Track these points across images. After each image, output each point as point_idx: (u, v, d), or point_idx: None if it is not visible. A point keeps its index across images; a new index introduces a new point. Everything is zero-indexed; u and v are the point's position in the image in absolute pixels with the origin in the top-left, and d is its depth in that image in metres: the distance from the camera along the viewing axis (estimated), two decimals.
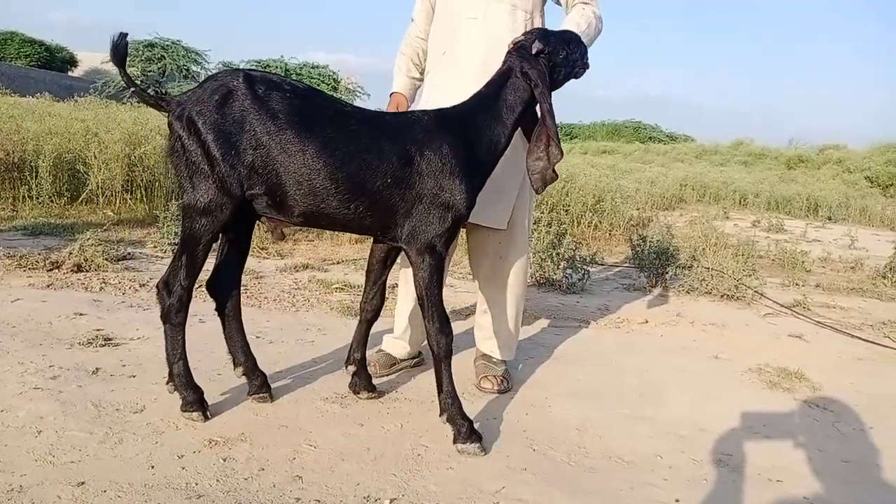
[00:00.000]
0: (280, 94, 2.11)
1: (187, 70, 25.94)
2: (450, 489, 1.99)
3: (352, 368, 2.57)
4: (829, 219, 12.30)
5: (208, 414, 2.27)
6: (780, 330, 4.18)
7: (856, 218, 12.41)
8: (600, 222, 7.41)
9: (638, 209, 9.13)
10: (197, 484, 1.90)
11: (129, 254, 4.60)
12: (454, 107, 2.37)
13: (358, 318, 2.61)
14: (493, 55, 2.63)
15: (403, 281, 2.93)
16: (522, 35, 2.45)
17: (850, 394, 3.08)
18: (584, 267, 4.99)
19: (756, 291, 4.97)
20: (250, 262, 3.59)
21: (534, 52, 2.34)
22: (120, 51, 2.11)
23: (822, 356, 3.67)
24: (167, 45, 25.21)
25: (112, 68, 25.32)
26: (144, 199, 6.40)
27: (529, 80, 2.31)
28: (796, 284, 5.66)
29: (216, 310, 2.45)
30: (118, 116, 7.52)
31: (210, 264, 2.33)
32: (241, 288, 2.49)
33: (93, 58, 31.13)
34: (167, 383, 2.30)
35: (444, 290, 2.34)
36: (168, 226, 4.83)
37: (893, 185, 18.01)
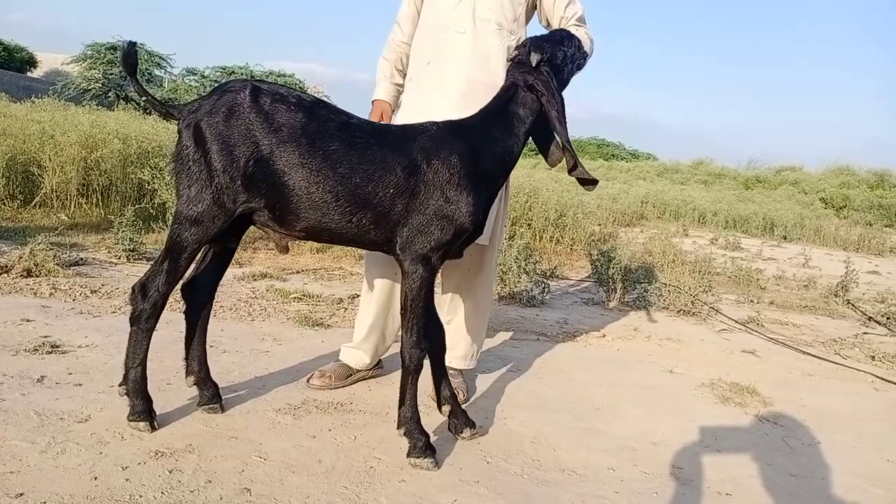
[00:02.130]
0: (285, 107, 2.10)
1: (150, 74, 25.52)
2: (401, 502, 1.98)
3: (446, 409, 2.47)
4: (785, 238, 12.58)
5: (155, 424, 2.22)
6: (733, 345, 4.25)
7: (810, 238, 12.71)
8: (562, 237, 7.48)
9: (599, 225, 9.23)
10: (141, 496, 1.85)
11: (82, 259, 4.49)
12: (463, 119, 2.36)
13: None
14: (478, 72, 2.64)
15: (366, 288, 2.90)
16: (516, 50, 2.45)
17: (799, 409, 3.14)
18: (545, 280, 5.02)
19: (712, 307, 5.05)
20: None
21: (534, 63, 2.33)
22: (130, 59, 2.10)
23: (773, 372, 3.74)
24: None
25: (72, 69, 24.84)
26: (100, 204, 6.26)
27: (536, 91, 2.30)
28: (751, 301, 5.78)
29: (185, 313, 2.41)
30: (76, 119, 7.35)
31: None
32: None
33: (54, 59, 30.47)
34: (119, 385, 2.24)
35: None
36: (123, 231, 4.72)
37: (847, 206, 18.50)
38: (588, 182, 2.37)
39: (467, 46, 2.68)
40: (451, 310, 2.93)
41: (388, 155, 2.13)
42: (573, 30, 2.72)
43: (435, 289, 2.44)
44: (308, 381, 2.81)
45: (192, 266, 2.39)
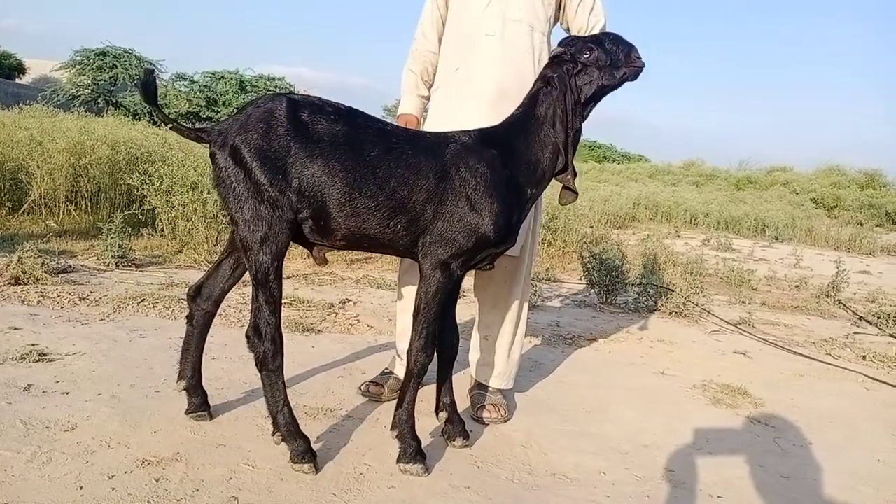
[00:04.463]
0: (324, 117, 2.08)
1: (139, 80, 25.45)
2: None
3: (443, 416, 2.46)
4: (776, 238, 12.64)
5: (318, 464, 2.13)
6: (725, 347, 4.25)
7: (801, 238, 12.77)
8: (554, 239, 7.47)
9: (591, 227, 9.25)
10: None
11: (71, 266, 4.46)
12: (493, 126, 2.32)
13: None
14: (507, 78, 2.55)
15: (400, 299, 2.86)
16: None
17: (790, 409, 3.14)
18: (537, 283, 5.02)
19: (703, 309, 5.06)
20: (196, 277, 3.51)
21: (553, 55, 2.29)
22: (150, 88, 2.05)
23: (765, 372, 3.74)
24: (119, 54, 24.70)
25: (61, 76, 24.74)
26: (89, 211, 6.23)
27: (552, 85, 2.24)
28: (743, 302, 5.79)
29: (187, 318, 2.39)
30: (64, 125, 7.30)
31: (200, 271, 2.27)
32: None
33: (43, 65, 30.37)
34: (272, 434, 2.15)
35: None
36: (112, 238, 4.69)
37: (838, 206, 18.62)
38: (569, 190, 2.34)
39: (497, 51, 2.60)
40: (487, 325, 2.85)
41: (422, 160, 2.13)
42: None
43: (457, 297, 2.43)
44: (359, 388, 2.82)
45: (203, 273, 2.39)
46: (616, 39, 2.29)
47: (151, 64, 25.20)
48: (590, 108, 2.35)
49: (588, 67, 2.25)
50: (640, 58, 2.28)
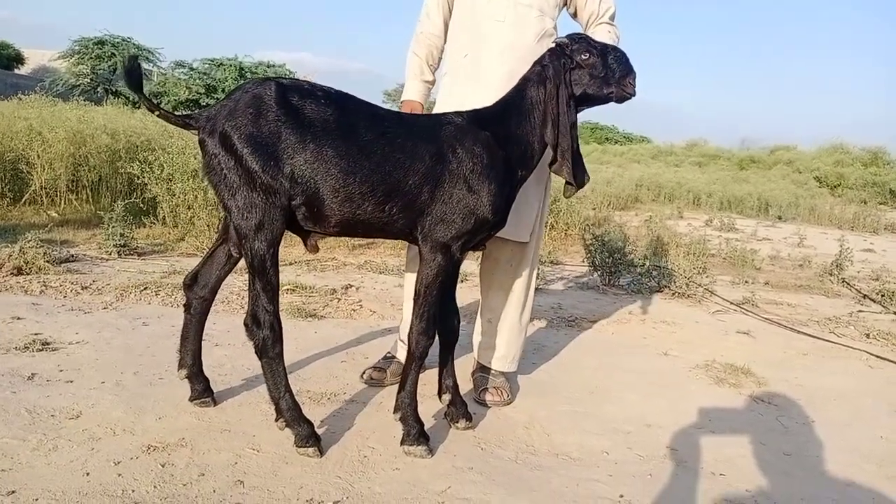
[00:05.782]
0: (314, 101, 2.05)
1: None
2: (395, 490, 1.97)
3: (446, 398, 2.47)
4: (780, 218, 12.61)
5: (322, 447, 2.14)
6: (728, 326, 4.25)
7: (805, 217, 12.75)
8: (556, 222, 7.46)
9: (594, 209, 9.23)
10: (133, 491, 1.84)
11: (73, 256, 4.47)
12: (486, 108, 2.32)
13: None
14: (517, 63, 2.48)
15: (408, 285, 2.82)
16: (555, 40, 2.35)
17: (793, 388, 3.15)
18: (539, 266, 5.01)
19: (706, 289, 5.05)
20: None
21: (554, 44, 2.29)
22: (134, 74, 2.02)
23: (768, 352, 3.75)
24: (118, 43, 24.54)
25: (60, 66, 24.65)
26: (90, 200, 6.23)
27: (545, 76, 2.24)
28: (746, 282, 5.78)
29: (184, 306, 2.38)
30: (63, 115, 7.29)
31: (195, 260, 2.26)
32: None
33: (41, 55, 30.27)
34: (276, 421, 2.16)
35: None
36: (113, 227, 4.70)
37: (841, 185, 18.56)
38: (567, 184, 2.35)
39: (507, 36, 2.57)
40: (491, 308, 2.83)
41: (416, 143, 2.11)
42: (606, 30, 2.65)
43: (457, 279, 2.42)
44: (362, 376, 2.81)
45: (199, 261, 2.38)
46: (621, 58, 2.29)
47: (150, 52, 25.09)
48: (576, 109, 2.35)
49: (581, 69, 2.26)
50: (633, 86, 2.29)
